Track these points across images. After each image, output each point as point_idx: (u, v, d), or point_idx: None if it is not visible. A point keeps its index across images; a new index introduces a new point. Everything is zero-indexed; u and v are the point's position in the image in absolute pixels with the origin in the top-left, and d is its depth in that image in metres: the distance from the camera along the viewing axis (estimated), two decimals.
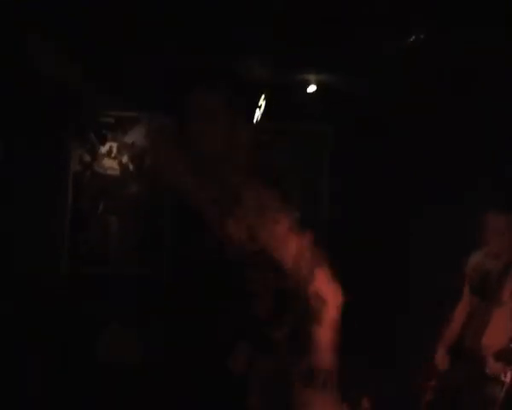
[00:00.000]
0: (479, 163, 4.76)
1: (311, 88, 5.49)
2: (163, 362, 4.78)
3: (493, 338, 3.76)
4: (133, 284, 5.37)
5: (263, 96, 5.29)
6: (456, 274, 4.09)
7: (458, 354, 3.95)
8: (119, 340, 5.25)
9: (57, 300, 5.21)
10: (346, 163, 5.67)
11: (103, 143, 5.48)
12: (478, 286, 3.91)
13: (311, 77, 5.49)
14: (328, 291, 2.35)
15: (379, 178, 5.47)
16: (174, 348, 4.53)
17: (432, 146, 5.21)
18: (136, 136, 5.48)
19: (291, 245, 2.34)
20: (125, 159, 5.48)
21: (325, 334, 2.37)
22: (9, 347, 4.87)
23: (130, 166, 5.49)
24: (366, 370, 4.37)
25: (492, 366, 3.75)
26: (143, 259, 5.50)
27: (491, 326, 3.79)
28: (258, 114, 5.36)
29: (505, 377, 3.62)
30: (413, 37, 4.65)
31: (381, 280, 5.18)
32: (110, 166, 5.48)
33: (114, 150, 5.48)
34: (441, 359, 4.03)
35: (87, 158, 5.46)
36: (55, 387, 4.96)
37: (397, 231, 5.33)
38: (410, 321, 4.94)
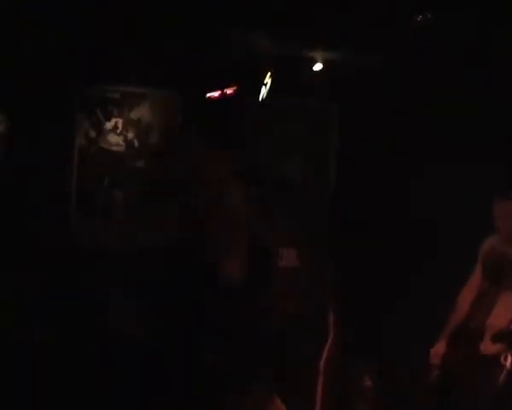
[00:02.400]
0: (489, 148, 4.77)
1: (317, 66, 5.46)
2: (163, 335, 4.84)
3: (498, 320, 3.78)
4: (137, 258, 5.38)
5: (269, 74, 5.29)
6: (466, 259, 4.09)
7: (462, 336, 3.97)
8: (121, 313, 5.28)
9: (62, 275, 5.25)
10: (352, 141, 5.65)
11: (109, 119, 5.48)
12: (492, 270, 3.91)
13: (317, 55, 5.45)
14: None
15: (385, 157, 5.46)
16: (175, 322, 4.57)
17: (440, 126, 5.21)
18: (141, 112, 5.48)
19: None
20: (130, 135, 5.48)
21: None
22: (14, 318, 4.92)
23: (136, 143, 5.49)
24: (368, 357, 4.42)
25: (488, 347, 3.78)
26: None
27: (497, 308, 3.80)
28: (263, 91, 5.38)
29: (505, 360, 3.65)
30: (420, 16, 4.63)
31: (386, 266, 5.20)
32: (115, 142, 5.48)
33: (120, 126, 5.48)
34: (439, 350, 4.04)
35: (92, 133, 5.46)
36: (56, 358, 5.01)
37: (402, 212, 5.33)
38: (411, 308, 4.97)
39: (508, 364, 3.64)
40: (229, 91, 5.32)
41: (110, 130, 5.47)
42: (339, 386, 3.80)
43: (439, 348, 4.03)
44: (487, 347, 3.77)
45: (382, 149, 5.41)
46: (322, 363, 3.49)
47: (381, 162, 5.42)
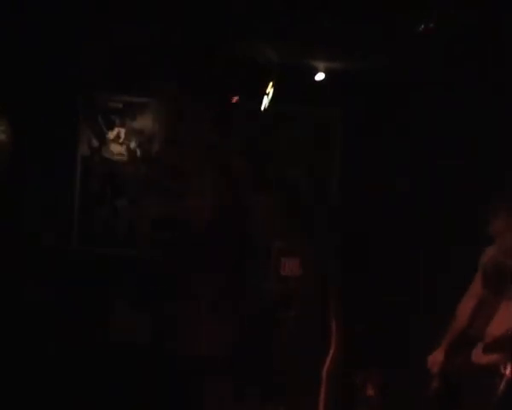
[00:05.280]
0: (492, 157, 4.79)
1: (319, 76, 5.48)
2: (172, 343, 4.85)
3: (497, 329, 3.77)
4: (144, 266, 5.39)
5: (271, 84, 5.30)
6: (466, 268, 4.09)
7: (462, 344, 3.96)
8: (128, 320, 5.30)
9: (66, 282, 5.27)
10: (355, 148, 5.65)
11: (111, 129, 5.50)
12: (492, 280, 3.90)
13: (320, 64, 5.46)
14: None
15: (389, 167, 5.46)
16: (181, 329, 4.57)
17: (445, 134, 5.24)
18: (144, 122, 5.50)
19: None
20: (132, 145, 5.50)
21: None
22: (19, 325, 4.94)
23: (138, 152, 5.51)
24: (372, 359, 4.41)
25: (479, 357, 3.77)
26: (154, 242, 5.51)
27: (496, 317, 3.79)
28: (265, 101, 5.39)
29: (505, 369, 3.63)
30: (422, 26, 4.63)
31: (386, 273, 5.21)
32: (118, 151, 5.50)
33: (122, 136, 5.50)
34: (437, 358, 4.03)
35: (95, 143, 5.48)
36: (63, 366, 5.02)
37: (408, 220, 5.33)
38: (413, 317, 4.97)
39: (508, 373, 3.62)
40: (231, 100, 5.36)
41: (112, 139, 5.49)
42: (341, 395, 3.77)
43: (438, 356, 4.01)
44: (478, 357, 3.77)
45: (386, 155, 5.43)
46: (324, 372, 3.47)
47: (384, 168, 5.44)
